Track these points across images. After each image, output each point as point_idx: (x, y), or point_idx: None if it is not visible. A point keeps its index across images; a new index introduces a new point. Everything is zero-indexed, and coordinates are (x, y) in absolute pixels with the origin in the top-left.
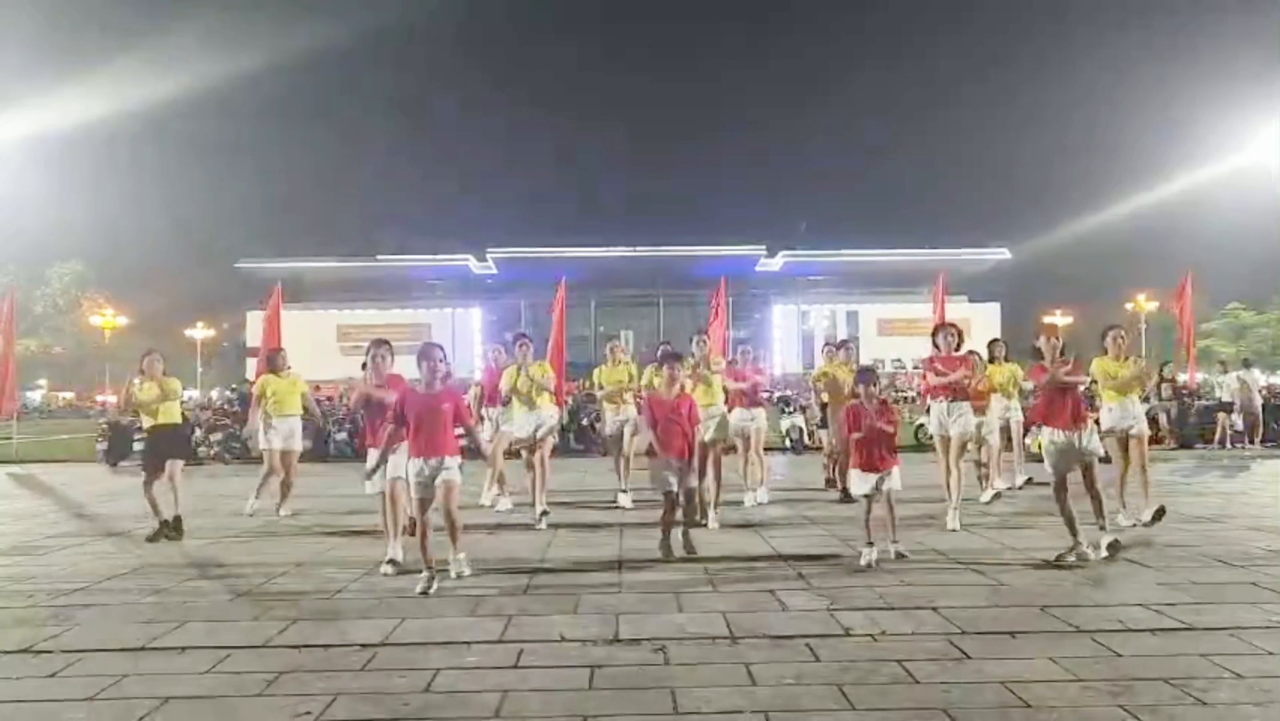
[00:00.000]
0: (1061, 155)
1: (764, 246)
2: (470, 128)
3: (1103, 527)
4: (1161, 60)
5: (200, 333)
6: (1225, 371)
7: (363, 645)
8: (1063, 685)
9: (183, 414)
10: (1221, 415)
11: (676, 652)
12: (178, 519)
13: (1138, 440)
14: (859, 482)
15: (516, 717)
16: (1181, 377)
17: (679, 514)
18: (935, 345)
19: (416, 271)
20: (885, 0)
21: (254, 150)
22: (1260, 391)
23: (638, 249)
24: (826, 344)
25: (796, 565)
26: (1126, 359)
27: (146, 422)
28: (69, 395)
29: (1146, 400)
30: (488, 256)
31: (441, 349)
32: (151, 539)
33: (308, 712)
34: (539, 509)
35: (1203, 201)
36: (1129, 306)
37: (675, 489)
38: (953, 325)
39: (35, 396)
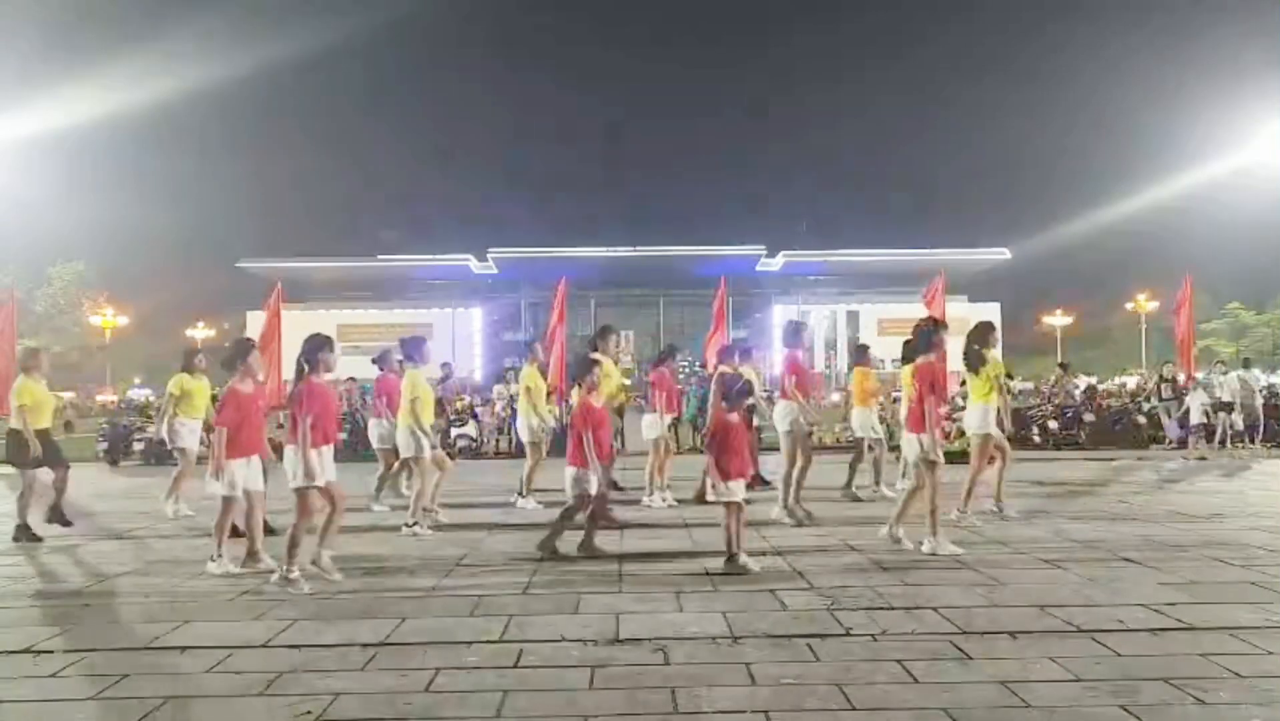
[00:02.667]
0: (1062, 155)
1: (764, 246)
2: (471, 127)
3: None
4: (1162, 60)
5: (200, 333)
6: (1225, 371)
7: (363, 645)
8: (1063, 685)
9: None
10: (1222, 415)
11: (676, 652)
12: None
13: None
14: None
15: (516, 717)
16: (1181, 378)
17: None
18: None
19: (416, 271)
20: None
21: (254, 150)
22: (1260, 391)
23: (638, 249)
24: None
25: (796, 565)
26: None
27: (38, 424)
28: (68, 395)
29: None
30: (488, 256)
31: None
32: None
33: (308, 712)
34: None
35: (1203, 201)
36: (1129, 306)
37: (594, 491)
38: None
39: None
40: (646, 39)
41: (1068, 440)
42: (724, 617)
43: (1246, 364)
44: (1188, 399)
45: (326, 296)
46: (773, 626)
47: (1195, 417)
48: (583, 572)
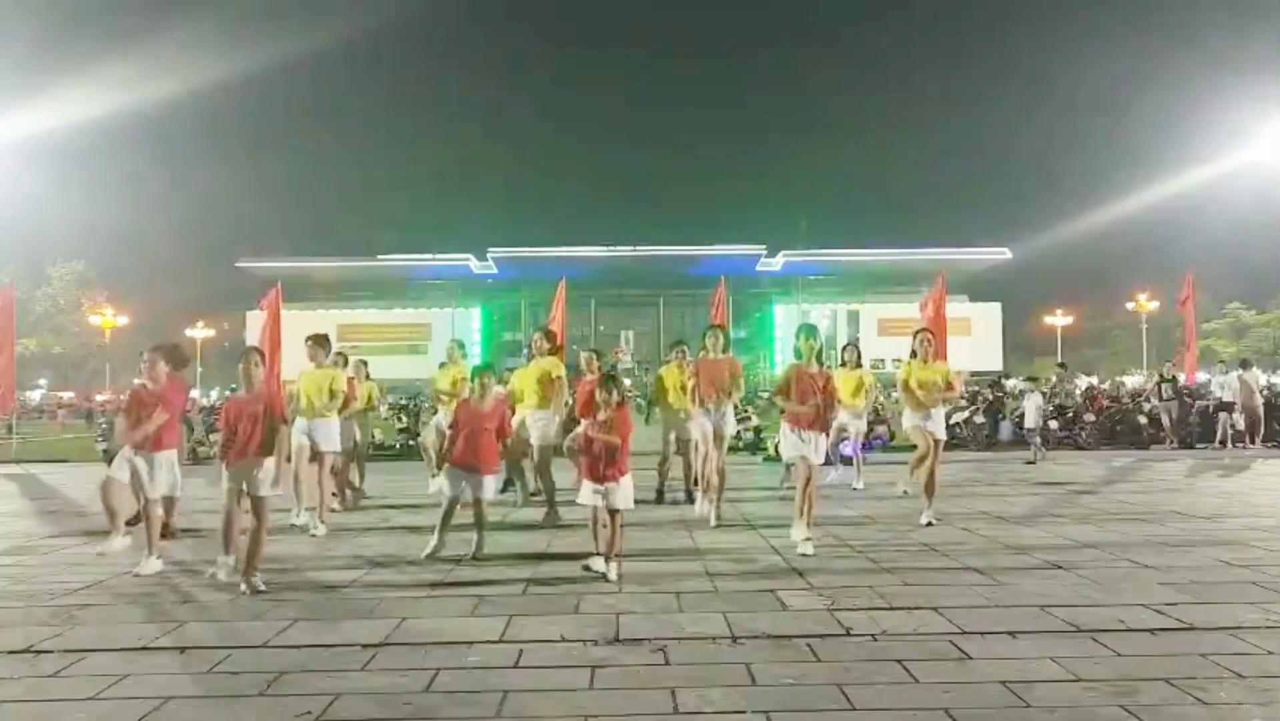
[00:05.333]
0: (1062, 155)
1: (764, 246)
2: (471, 127)
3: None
4: (1162, 60)
5: (200, 332)
6: (1226, 371)
7: (363, 645)
8: (1063, 685)
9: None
10: (1222, 415)
11: (676, 652)
12: None
13: (936, 444)
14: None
15: (516, 717)
16: (1181, 378)
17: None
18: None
19: (416, 271)
20: (886, 0)
21: (254, 150)
22: (1260, 391)
23: (638, 249)
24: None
25: (796, 565)
26: (927, 363)
27: None
28: (65, 395)
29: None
30: (488, 256)
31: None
32: None
33: (308, 712)
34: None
35: (1203, 201)
36: (1129, 306)
37: (459, 497)
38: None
39: (36, 396)
40: (647, 39)
41: (1068, 440)
42: (724, 617)
43: (1245, 364)
44: (1024, 401)
45: (326, 296)
46: (773, 626)
47: (1030, 420)
48: (583, 573)
